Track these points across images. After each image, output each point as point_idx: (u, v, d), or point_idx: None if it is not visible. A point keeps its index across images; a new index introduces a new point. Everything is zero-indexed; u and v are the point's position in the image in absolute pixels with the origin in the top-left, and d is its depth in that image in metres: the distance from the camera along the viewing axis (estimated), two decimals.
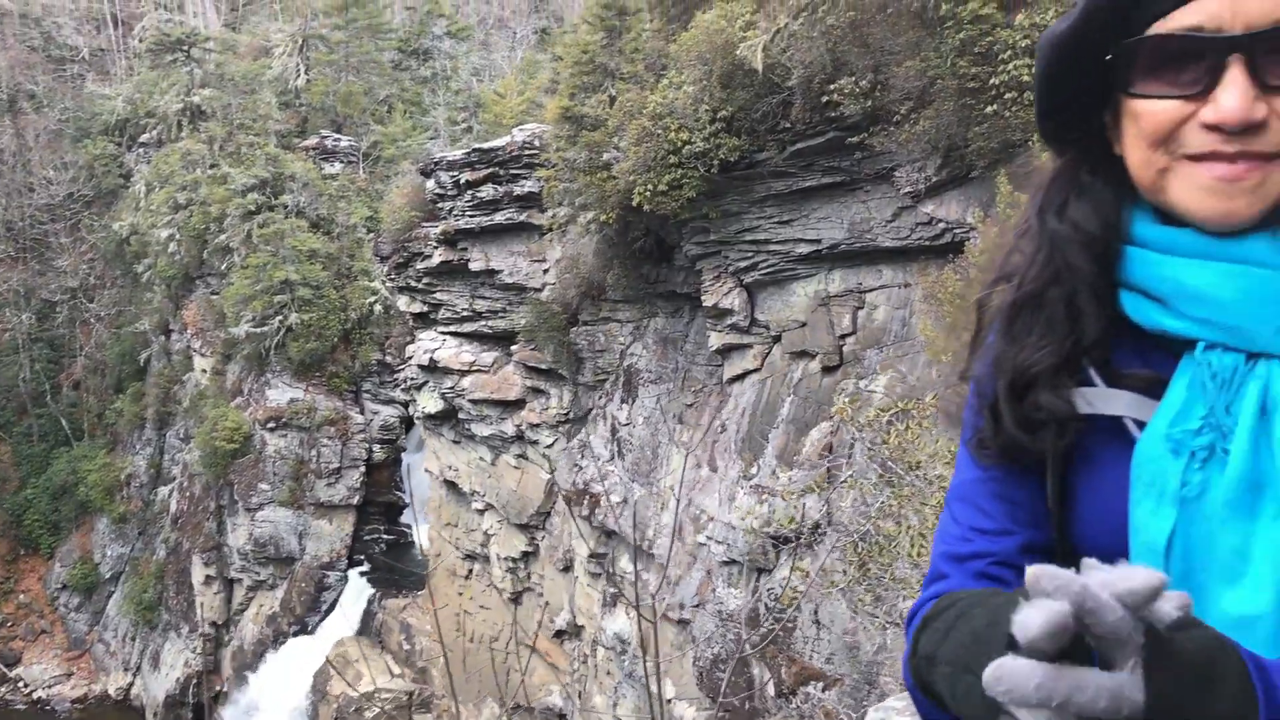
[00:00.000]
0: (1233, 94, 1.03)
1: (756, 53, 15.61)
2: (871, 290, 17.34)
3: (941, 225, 15.37)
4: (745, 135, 17.07)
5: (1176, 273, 1.11)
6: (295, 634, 33.88)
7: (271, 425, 34.66)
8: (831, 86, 15.08)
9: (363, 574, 34.64)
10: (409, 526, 36.93)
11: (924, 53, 13.76)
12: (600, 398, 24.10)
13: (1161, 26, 1.08)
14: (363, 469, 35.56)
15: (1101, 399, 1.16)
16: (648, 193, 17.25)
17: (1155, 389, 1.12)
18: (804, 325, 18.22)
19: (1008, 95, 12.18)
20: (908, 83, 13.93)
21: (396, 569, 32.93)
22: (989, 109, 12.69)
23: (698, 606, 19.03)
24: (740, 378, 19.81)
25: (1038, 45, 1.20)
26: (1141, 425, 1.12)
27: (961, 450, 1.30)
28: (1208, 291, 1.09)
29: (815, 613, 15.72)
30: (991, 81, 12.48)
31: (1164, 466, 1.07)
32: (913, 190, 15.36)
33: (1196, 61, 1.06)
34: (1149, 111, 1.10)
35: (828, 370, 17.72)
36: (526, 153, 24.71)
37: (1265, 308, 1.06)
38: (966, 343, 1.35)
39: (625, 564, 22.07)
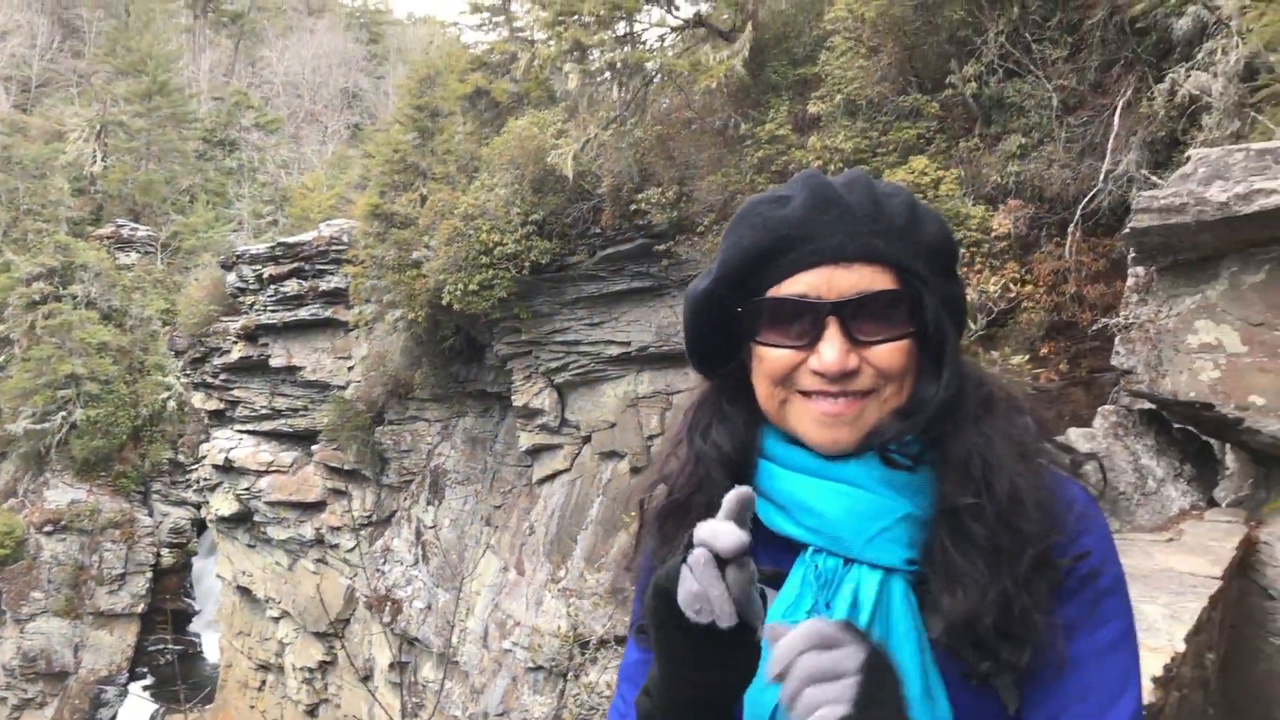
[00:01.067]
0: (831, 348, 1.26)
1: (567, 160, 15.93)
2: (679, 391, 17.67)
3: None
4: (557, 238, 17.32)
5: (793, 487, 1.31)
6: None
7: (49, 529, 32.15)
8: (639, 196, 15.52)
9: (145, 688, 32.24)
10: (198, 636, 34.77)
11: (725, 168, 14.36)
12: (405, 499, 23.51)
13: (776, 291, 1.31)
14: (149, 575, 33.32)
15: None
16: (458, 292, 17.18)
17: (778, 580, 1.26)
18: (614, 426, 18.36)
19: None
20: (710, 195, 14.48)
21: (183, 682, 30.80)
22: None
23: (502, 715, 18.53)
24: (550, 478, 19.71)
25: (685, 296, 1.43)
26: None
27: (630, 635, 1.45)
28: (815, 505, 1.28)
29: None
30: None
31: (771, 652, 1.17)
32: None
33: (803, 320, 1.29)
34: (770, 356, 1.32)
35: (636, 471, 17.84)
36: (334, 248, 24.32)
37: (858, 522, 1.25)
38: (634, 534, 1.50)
39: (428, 672, 21.34)
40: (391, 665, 22.27)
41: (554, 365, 18.97)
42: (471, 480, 21.78)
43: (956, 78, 12.61)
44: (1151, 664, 2.46)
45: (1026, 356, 7.89)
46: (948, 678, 1.22)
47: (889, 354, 1.28)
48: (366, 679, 23.91)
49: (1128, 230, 4.56)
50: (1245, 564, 4.45)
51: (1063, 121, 12.07)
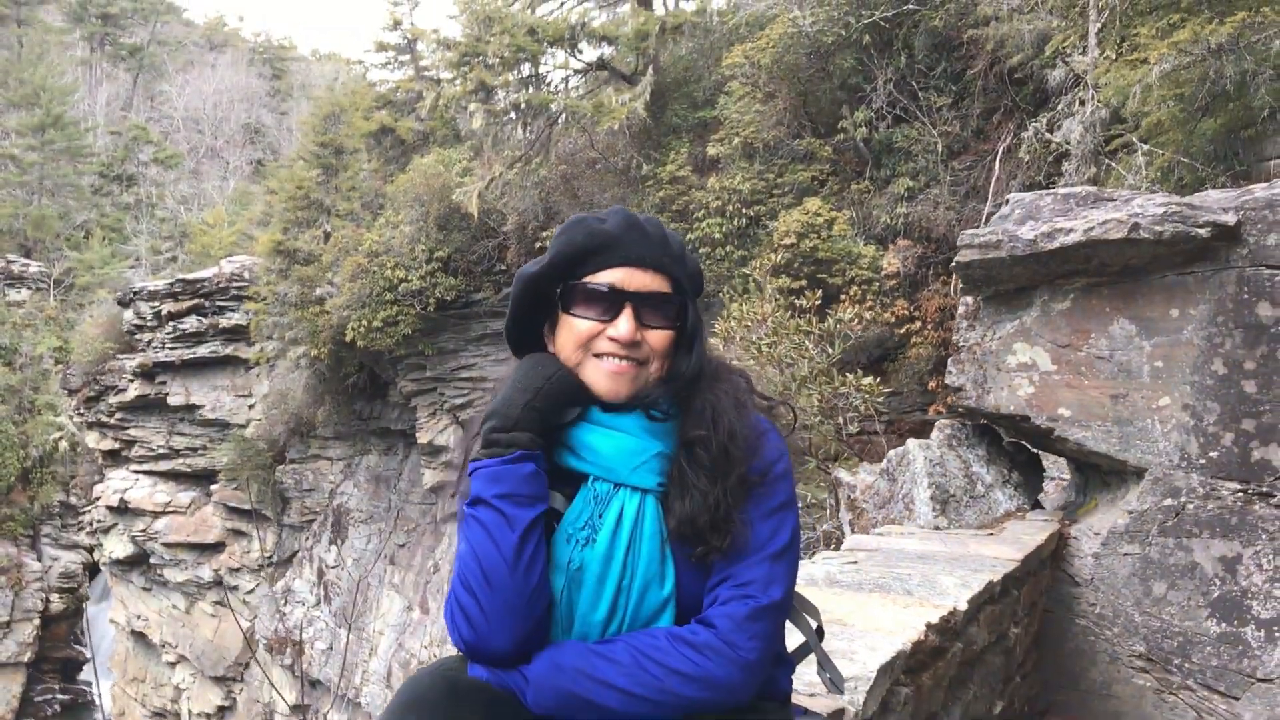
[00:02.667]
0: (625, 324, 1.79)
1: (472, 198, 16.06)
2: None
3: None
4: (462, 275, 17.39)
5: (581, 434, 1.82)
6: None
7: None
8: (544, 233, 15.71)
9: None
10: (89, 684, 33.54)
11: (628, 207, 14.61)
12: (307, 539, 23.17)
13: (590, 279, 1.82)
14: (37, 622, 32.03)
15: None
16: (362, 328, 17.11)
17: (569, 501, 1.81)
18: None
19: (702, 250, 13.12)
20: None
21: None
22: None
23: None
24: (455, 516, 19.62)
25: (515, 277, 1.90)
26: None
27: (459, 532, 1.90)
28: (596, 445, 1.80)
29: None
30: (688, 237, 13.45)
31: (561, 550, 1.75)
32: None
33: (607, 302, 1.81)
34: (579, 326, 1.82)
35: None
36: (235, 284, 24.01)
37: (626, 458, 1.78)
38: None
39: (331, 715, 20.98)
40: (293, 708, 21.83)
41: (459, 401, 18.95)
42: (375, 518, 21.58)
43: (848, 123, 13.10)
44: (931, 615, 3.10)
45: (876, 377, 8.53)
46: (677, 559, 1.75)
47: (661, 337, 1.83)
48: None
49: (954, 264, 5.03)
50: (1058, 555, 5.04)
51: (947, 166, 12.62)
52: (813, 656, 2.02)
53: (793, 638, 1.96)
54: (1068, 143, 9.24)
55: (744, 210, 13.08)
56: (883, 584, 3.54)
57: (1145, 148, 8.20)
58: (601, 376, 1.80)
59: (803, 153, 13.52)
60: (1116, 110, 8.79)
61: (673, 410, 1.85)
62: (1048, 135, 9.71)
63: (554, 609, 1.73)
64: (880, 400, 8.44)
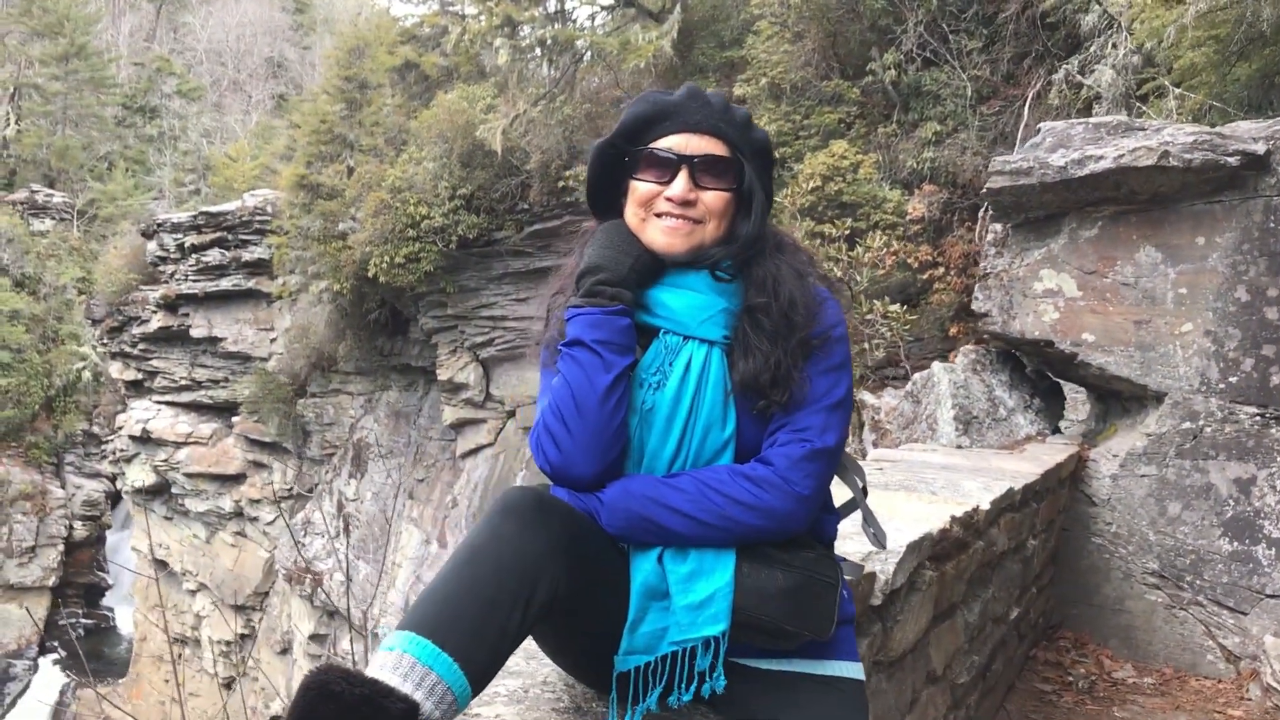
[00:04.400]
0: (680, 184, 1.92)
1: (496, 135, 16.04)
2: None
3: None
4: (484, 213, 17.41)
5: (655, 292, 1.96)
6: None
7: None
8: (568, 173, 15.70)
9: (55, 662, 31.65)
10: (111, 610, 34.19)
11: None
12: (327, 472, 23.47)
13: (652, 145, 1.95)
14: (61, 547, 32.60)
15: None
16: (384, 264, 17.20)
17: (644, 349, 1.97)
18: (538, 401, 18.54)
19: None
20: None
21: (96, 656, 30.30)
22: None
23: None
24: (474, 452, 19.85)
25: (589, 150, 2.04)
26: None
27: (544, 373, 2.10)
28: (668, 302, 1.94)
29: None
30: None
31: (634, 393, 1.89)
32: None
33: (666, 166, 1.94)
34: (641, 188, 1.96)
35: None
36: (258, 218, 24.10)
37: (694, 312, 1.93)
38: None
39: (348, 645, 21.35)
40: (311, 638, 22.26)
41: (479, 340, 19.09)
42: (395, 454, 21.84)
43: (877, 65, 13.02)
44: (955, 510, 3.23)
45: (902, 304, 8.63)
46: (739, 408, 1.89)
47: (716, 198, 1.94)
48: (285, 652, 23.86)
49: (985, 190, 5.08)
50: (1076, 476, 5.15)
51: (976, 110, 12.55)
52: (857, 513, 2.17)
53: (839, 493, 2.08)
54: (1099, 86, 9.19)
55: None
56: (908, 485, 3.65)
57: (1177, 91, 8.17)
58: (659, 234, 1.94)
59: (830, 94, 13.44)
60: (1149, 55, 8.74)
61: (737, 274, 1.99)
62: (1080, 79, 9.65)
63: (627, 446, 1.88)
64: (907, 329, 8.51)
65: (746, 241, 1.97)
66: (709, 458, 1.88)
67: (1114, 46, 9.17)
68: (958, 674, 3.40)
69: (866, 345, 8.56)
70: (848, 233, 9.92)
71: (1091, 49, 9.98)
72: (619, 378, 1.85)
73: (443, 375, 19.58)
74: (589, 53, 16.35)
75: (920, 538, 2.67)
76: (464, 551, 1.66)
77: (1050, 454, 4.94)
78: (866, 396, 6.47)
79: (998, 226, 5.42)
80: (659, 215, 1.95)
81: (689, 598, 1.80)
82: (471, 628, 1.55)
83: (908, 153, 12.63)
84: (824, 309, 1.97)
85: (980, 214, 11.72)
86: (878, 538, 2.17)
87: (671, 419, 1.87)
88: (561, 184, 15.96)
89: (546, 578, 1.63)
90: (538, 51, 16.70)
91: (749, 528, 1.81)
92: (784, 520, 1.82)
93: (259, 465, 25.21)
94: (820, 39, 13.60)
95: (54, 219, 39.17)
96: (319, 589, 21.85)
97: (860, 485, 2.11)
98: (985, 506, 3.43)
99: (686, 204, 1.92)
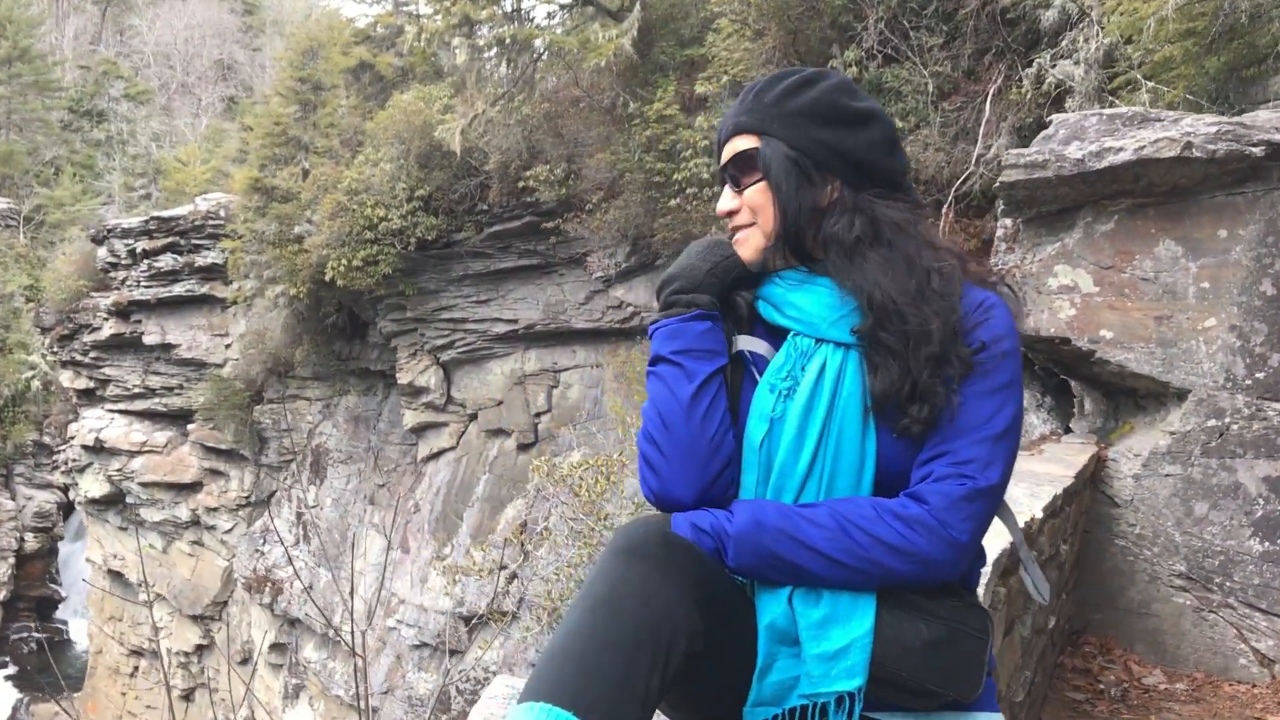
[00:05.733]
0: (722, 198, 1.85)
1: (454, 136, 15.82)
2: (566, 369, 17.78)
3: (630, 309, 16.08)
4: (443, 215, 17.20)
5: (784, 292, 1.81)
6: None
7: None
8: (527, 173, 15.54)
9: (8, 678, 31.01)
10: (64, 623, 33.54)
11: (614, 147, 14.48)
12: (286, 479, 23.12)
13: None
14: (12, 560, 31.98)
15: (746, 344, 1.85)
16: (342, 268, 16.93)
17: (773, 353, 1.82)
18: (500, 403, 18.37)
19: (689, 190, 13.00)
20: (599, 174, 14.59)
21: (49, 670, 29.65)
22: (672, 202, 13.49)
23: (386, 693, 18.45)
24: (435, 456, 19.62)
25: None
26: (762, 370, 1.80)
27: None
28: (797, 303, 1.79)
29: None
30: (675, 177, 13.31)
31: (764, 399, 1.74)
32: (604, 275, 16.01)
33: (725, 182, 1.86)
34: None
35: (523, 448, 17.91)
36: (211, 223, 23.68)
37: (825, 312, 1.75)
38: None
39: (309, 653, 21.07)
40: (272, 647, 21.92)
41: (440, 343, 18.87)
42: (354, 459, 21.54)
43: (838, 62, 12.95)
44: (1019, 521, 2.99)
45: None
46: (879, 429, 1.69)
47: (751, 193, 1.81)
48: (245, 661, 23.48)
49: (998, 184, 4.99)
50: (1096, 477, 5.09)
51: (938, 107, 12.53)
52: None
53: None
54: (1070, 79, 9.18)
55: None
56: None
57: (1150, 84, 8.15)
58: (736, 249, 1.86)
59: None
60: (1114, 49, 8.73)
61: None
62: (1050, 72, 9.64)
63: (754, 457, 1.72)
64: None
65: (777, 236, 1.79)
66: (846, 478, 1.68)
67: (1085, 40, 9.15)
68: (1015, 692, 3.30)
69: None
70: None
71: (1063, 43, 9.98)
72: (704, 384, 1.72)
73: (403, 379, 19.33)
74: (547, 52, 16.18)
75: (997, 556, 2.56)
76: (587, 600, 1.49)
77: (1070, 454, 4.87)
78: None
79: (1007, 222, 5.34)
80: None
81: (822, 646, 1.60)
82: (609, 695, 1.38)
83: None
84: (991, 315, 1.72)
85: (944, 210, 11.73)
86: (1038, 588, 1.89)
87: (803, 431, 1.69)
88: (521, 184, 15.78)
89: (683, 633, 1.47)
90: (495, 51, 16.49)
91: (895, 575, 1.60)
92: (937, 569, 1.60)
93: (216, 473, 24.79)
94: (781, 36, 13.52)
95: (0, 226, 38.37)
96: (279, 597, 21.53)
97: (1019, 527, 1.90)
98: (1039, 515, 3.35)
99: (730, 214, 1.84)
